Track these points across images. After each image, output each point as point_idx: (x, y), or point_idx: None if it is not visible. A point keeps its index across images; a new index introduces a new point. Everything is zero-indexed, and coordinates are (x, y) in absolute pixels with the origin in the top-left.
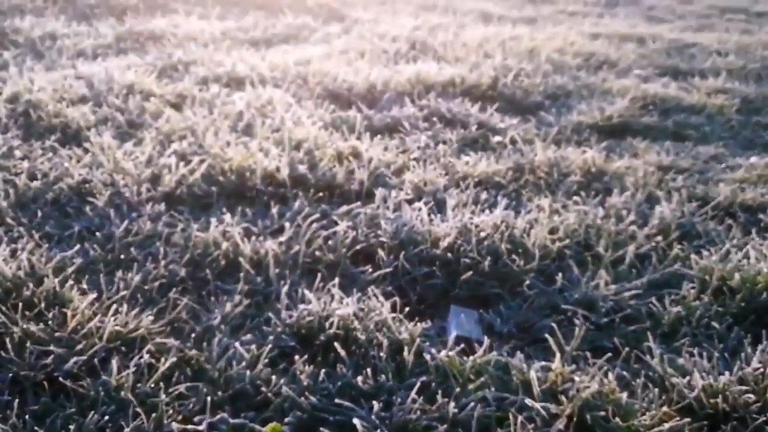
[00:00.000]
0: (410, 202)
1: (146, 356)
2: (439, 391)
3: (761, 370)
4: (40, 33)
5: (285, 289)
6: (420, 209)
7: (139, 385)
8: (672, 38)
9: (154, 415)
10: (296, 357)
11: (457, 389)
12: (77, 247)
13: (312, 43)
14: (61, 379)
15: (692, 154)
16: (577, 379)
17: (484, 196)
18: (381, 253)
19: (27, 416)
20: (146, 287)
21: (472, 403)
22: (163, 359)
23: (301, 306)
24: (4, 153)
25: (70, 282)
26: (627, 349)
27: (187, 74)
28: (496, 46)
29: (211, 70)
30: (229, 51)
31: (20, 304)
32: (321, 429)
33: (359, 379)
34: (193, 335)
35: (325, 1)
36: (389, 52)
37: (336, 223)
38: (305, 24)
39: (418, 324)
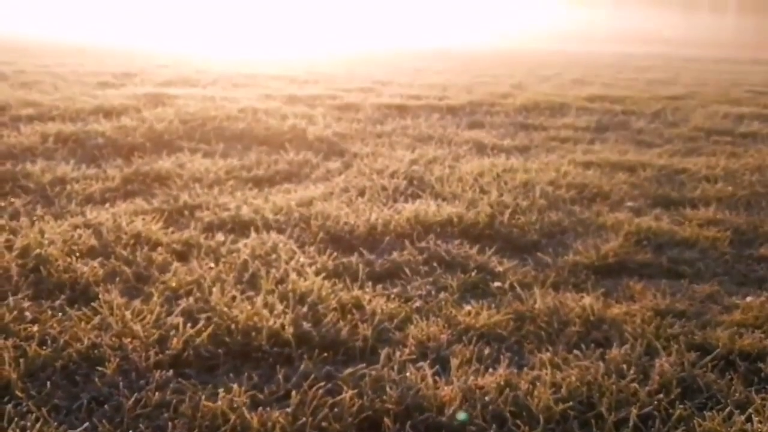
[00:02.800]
0: (414, 360)
1: None
2: None
3: None
4: (50, 177)
5: None
6: (424, 370)
7: None
8: (661, 164)
9: None
10: None
11: None
12: (86, 424)
13: (313, 180)
14: None
15: (688, 294)
16: None
17: (486, 351)
18: (387, 420)
19: None
20: None
21: None
22: None
23: None
24: (15, 316)
25: None
26: None
27: (192, 219)
28: (491, 180)
29: (216, 215)
30: (233, 192)
31: None
32: None
33: None
34: None
35: (324, 135)
36: (388, 189)
37: (342, 388)
38: (306, 160)
39: None
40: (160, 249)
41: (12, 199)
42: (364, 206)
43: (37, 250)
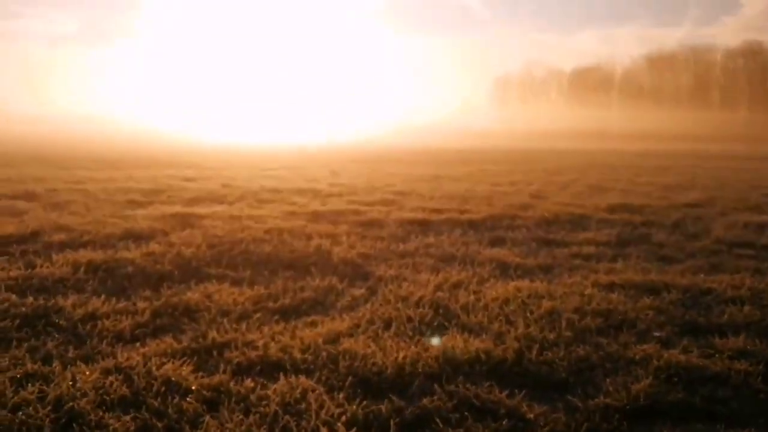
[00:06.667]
0: None
1: None
2: None
3: None
4: (82, 314)
5: None
6: None
7: None
8: (685, 285)
9: None
10: None
11: None
12: None
13: (339, 310)
14: None
15: None
16: None
17: None
18: None
19: None
20: None
21: None
22: None
23: None
24: None
25: None
26: None
27: (221, 360)
28: (516, 308)
29: (245, 355)
30: (261, 326)
31: None
32: None
33: None
34: None
35: (349, 257)
36: (414, 321)
37: None
38: (332, 286)
39: None
40: (190, 397)
41: (44, 339)
42: (391, 342)
43: (70, 403)
